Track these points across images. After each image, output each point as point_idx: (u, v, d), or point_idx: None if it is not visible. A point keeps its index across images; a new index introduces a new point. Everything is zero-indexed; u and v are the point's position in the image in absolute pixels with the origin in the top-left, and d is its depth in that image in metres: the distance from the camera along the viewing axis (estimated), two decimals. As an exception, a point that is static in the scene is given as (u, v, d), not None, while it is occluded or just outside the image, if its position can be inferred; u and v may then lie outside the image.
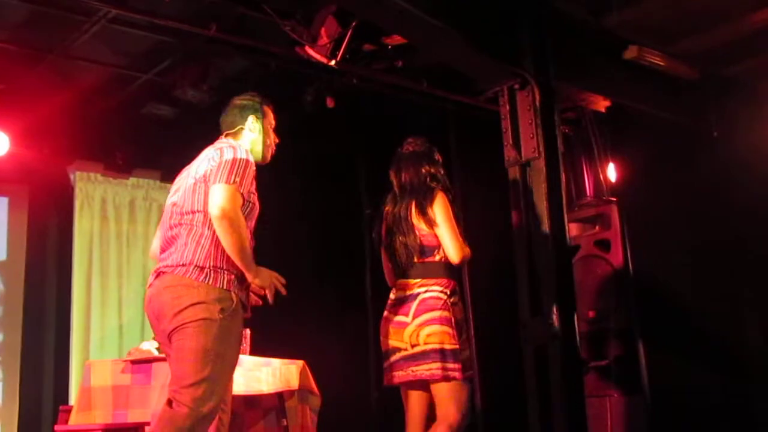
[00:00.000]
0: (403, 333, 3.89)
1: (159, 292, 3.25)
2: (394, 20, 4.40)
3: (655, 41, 5.34)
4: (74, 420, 4.76)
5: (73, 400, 6.37)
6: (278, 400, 4.88)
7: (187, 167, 3.51)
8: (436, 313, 3.85)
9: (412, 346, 3.85)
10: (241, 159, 3.27)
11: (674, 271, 5.76)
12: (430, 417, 3.93)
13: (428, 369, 3.80)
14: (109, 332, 7.11)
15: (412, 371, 3.85)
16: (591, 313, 5.69)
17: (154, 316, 3.30)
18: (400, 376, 3.91)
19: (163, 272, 3.27)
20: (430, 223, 3.93)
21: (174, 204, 3.39)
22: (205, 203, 3.24)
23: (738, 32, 5.19)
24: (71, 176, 7.24)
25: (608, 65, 5.41)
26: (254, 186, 3.39)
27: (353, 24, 4.68)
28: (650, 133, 5.98)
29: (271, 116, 3.68)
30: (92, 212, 7.27)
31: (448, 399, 3.82)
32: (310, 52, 4.85)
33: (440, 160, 4.17)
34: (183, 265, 3.22)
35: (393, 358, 3.94)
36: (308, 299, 6.32)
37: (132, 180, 7.49)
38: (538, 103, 4.47)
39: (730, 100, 5.86)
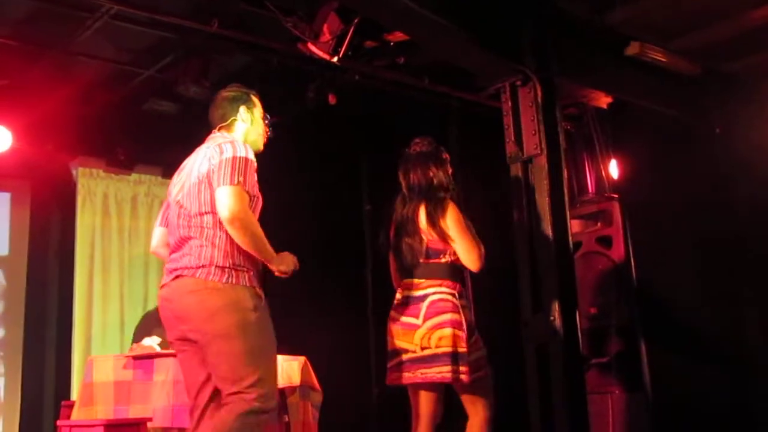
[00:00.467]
0: (413, 335, 3.91)
1: (181, 296, 3.25)
2: (397, 17, 4.40)
3: (656, 38, 5.34)
4: (76, 415, 4.78)
5: (74, 395, 6.38)
6: (280, 396, 4.89)
7: (187, 162, 3.52)
8: (447, 316, 3.87)
9: (422, 349, 3.87)
10: (241, 157, 3.28)
11: (675, 268, 5.77)
12: (438, 416, 3.99)
13: (439, 372, 3.83)
14: (111, 328, 7.12)
15: (422, 373, 3.87)
16: (592, 310, 5.69)
17: (173, 317, 3.31)
18: (408, 377, 3.93)
19: (182, 275, 3.27)
20: (443, 236, 3.94)
21: (180, 205, 3.38)
22: (213, 204, 3.25)
23: (739, 29, 5.18)
24: (73, 172, 7.24)
25: (610, 62, 5.40)
26: (255, 178, 3.40)
27: (355, 21, 4.68)
28: (652, 129, 5.98)
29: (259, 105, 3.69)
30: (94, 208, 7.28)
31: (475, 398, 3.95)
32: (312, 48, 4.86)
33: (447, 158, 4.17)
34: (203, 266, 3.23)
35: (401, 359, 3.95)
36: (309, 295, 6.34)
37: (134, 176, 7.50)
38: (540, 100, 4.46)
39: (731, 97, 5.85)
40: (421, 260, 3.98)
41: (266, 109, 3.73)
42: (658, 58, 5.43)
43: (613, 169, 6.20)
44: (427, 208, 3.99)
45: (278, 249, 3.35)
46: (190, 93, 5.82)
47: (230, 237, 3.24)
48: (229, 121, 3.57)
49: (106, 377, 4.80)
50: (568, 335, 4.20)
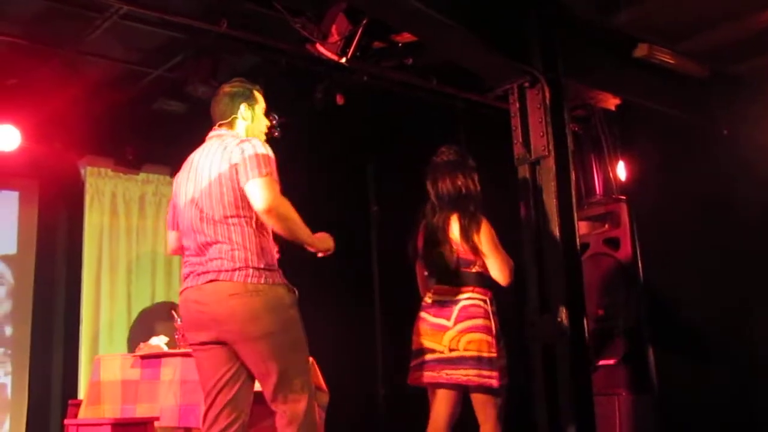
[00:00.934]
0: (442, 336, 3.95)
1: (220, 299, 3.21)
2: (405, 18, 4.40)
3: (663, 39, 5.33)
4: (83, 414, 4.79)
5: (82, 394, 6.40)
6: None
7: (194, 159, 3.46)
8: (479, 321, 3.93)
9: (450, 350, 3.92)
10: (263, 153, 3.27)
11: (683, 269, 5.75)
12: (454, 419, 4.03)
13: (465, 374, 3.88)
14: (118, 327, 7.14)
15: (446, 374, 3.91)
16: (599, 311, 5.69)
17: (209, 319, 3.25)
18: (431, 376, 3.96)
19: (217, 279, 3.23)
20: (476, 251, 4.01)
21: (200, 209, 3.31)
22: (238, 207, 3.24)
23: (746, 31, 5.17)
24: (81, 171, 7.27)
25: (618, 63, 5.39)
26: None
27: (363, 22, 4.69)
28: (660, 131, 5.97)
29: (262, 101, 3.62)
30: (102, 207, 7.30)
31: (486, 405, 3.96)
32: (321, 49, 4.86)
33: (474, 166, 4.23)
34: (239, 269, 3.21)
35: (425, 358, 3.99)
36: (316, 295, 6.32)
37: (142, 175, 7.52)
38: (547, 101, 4.46)
39: (738, 99, 5.84)
40: (452, 268, 4.04)
41: (274, 109, 3.72)
42: (666, 60, 5.42)
43: (621, 170, 6.20)
44: (460, 221, 4.06)
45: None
46: (199, 93, 5.83)
47: (259, 239, 3.25)
48: (230, 118, 3.52)
49: (114, 376, 4.82)
50: (575, 337, 4.20)
